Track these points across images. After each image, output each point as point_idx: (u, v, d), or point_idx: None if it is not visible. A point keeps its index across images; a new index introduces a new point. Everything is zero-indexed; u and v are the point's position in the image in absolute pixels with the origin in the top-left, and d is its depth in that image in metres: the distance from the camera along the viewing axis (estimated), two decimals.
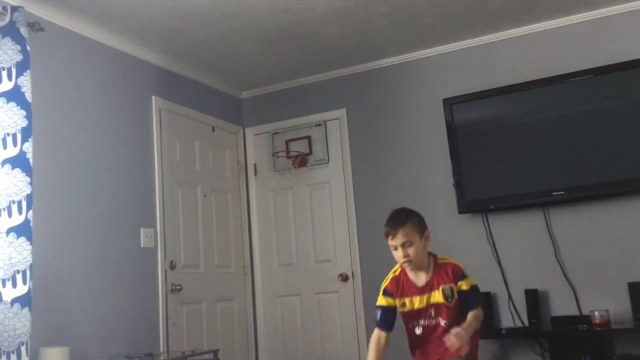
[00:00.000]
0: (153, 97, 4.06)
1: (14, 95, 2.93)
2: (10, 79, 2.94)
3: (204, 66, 4.39)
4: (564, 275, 3.81)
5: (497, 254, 3.99)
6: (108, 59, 3.76)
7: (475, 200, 3.99)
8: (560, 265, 3.83)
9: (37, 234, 2.95)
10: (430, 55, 4.36)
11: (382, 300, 2.56)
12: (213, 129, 4.62)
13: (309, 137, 4.72)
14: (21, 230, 2.84)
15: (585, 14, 3.92)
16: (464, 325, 2.38)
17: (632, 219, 3.71)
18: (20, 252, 2.82)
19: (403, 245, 2.45)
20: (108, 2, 3.34)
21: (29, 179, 2.89)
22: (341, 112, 4.62)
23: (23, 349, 2.76)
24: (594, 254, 3.77)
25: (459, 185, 4.03)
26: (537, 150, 3.90)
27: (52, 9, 3.34)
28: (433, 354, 2.48)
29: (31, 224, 2.86)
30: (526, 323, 3.80)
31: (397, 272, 2.57)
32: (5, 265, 2.80)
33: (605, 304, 3.61)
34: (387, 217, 2.53)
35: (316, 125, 4.69)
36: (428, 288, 2.49)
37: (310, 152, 4.71)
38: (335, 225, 4.54)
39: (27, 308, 2.79)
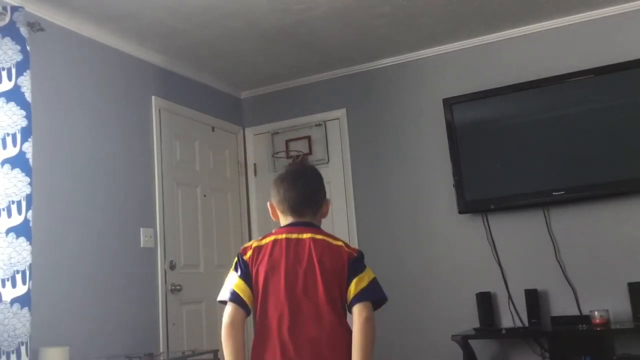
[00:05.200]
0: (153, 97, 4.06)
1: (14, 95, 2.93)
2: (10, 79, 2.94)
3: (204, 66, 4.39)
4: (564, 275, 3.81)
5: (497, 254, 3.99)
6: (108, 59, 3.75)
7: (475, 200, 3.99)
8: (560, 265, 3.83)
9: (36, 234, 2.95)
10: (430, 55, 4.35)
11: None
12: (213, 129, 4.62)
13: (309, 137, 4.72)
14: (21, 230, 2.84)
15: (585, 14, 3.92)
16: None
17: (632, 219, 3.71)
18: (20, 252, 2.82)
19: None
20: (108, 2, 3.34)
21: (28, 179, 2.89)
22: (341, 112, 4.62)
23: (23, 349, 2.76)
24: (594, 254, 3.76)
25: (459, 185, 4.02)
26: (537, 150, 3.89)
27: (52, 9, 3.34)
28: None
29: (31, 224, 2.87)
30: (526, 323, 3.80)
31: None
32: (4, 265, 2.80)
33: (605, 304, 3.61)
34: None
35: (316, 125, 4.69)
36: None
37: (310, 152, 4.70)
38: (335, 225, 4.53)
39: (26, 308, 2.79)
